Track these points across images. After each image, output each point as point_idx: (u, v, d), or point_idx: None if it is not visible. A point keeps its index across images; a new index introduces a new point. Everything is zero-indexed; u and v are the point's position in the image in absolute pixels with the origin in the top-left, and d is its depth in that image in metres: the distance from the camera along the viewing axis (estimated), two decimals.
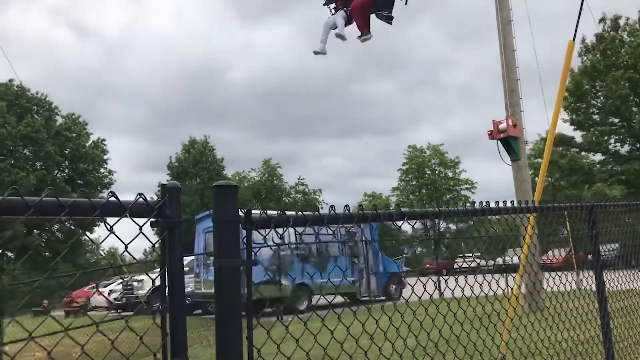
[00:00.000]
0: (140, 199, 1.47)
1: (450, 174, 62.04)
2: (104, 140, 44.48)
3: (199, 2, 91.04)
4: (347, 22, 9.85)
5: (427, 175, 61.63)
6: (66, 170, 41.92)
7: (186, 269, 18.53)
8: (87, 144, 42.88)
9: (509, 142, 12.97)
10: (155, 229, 1.57)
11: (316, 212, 2.30)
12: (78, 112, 46.99)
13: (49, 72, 73.90)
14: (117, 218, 1.45)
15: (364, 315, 3.50)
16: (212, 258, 15.00)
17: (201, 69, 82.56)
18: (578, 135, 36.80)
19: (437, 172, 61.87)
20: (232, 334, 1.62)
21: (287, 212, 2.06)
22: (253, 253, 1.77)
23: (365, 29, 9.37)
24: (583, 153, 38.47)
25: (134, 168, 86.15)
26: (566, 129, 36.04)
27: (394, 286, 18.78)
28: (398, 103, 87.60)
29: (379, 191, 69.98)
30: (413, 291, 2.81)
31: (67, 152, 41.20)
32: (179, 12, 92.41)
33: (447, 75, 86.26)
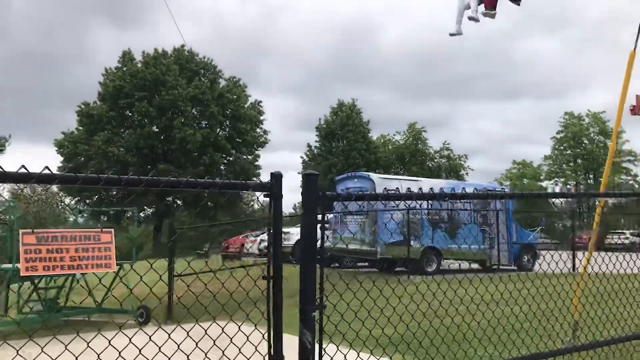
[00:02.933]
0: (259, 182, 2.58)
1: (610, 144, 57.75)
2: (260, 102, 47.82)
3: None
4: (479, 2, 10.22)
5: (584, 145, 58.04)
6: (227, 129, 45.84)
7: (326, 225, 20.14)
8: (245, 105, 46.38)
9: None
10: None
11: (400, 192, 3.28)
12: (238, 72, 50.79)
13: (214, 35, 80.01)
14: (245, 192, 2.56)
15: (488, 282, 4.42)
16: (349, 217, 16.36)
17: (355, 29, 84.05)
18: None
19: (595, 141, 57.94)
20: (311, 263, 2.70)
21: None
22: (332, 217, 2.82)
23: (490, 6, 9.69)
24: None
25: (287, 126, 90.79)
26: None
27: (526, 257, 18.87)
28: (565, 64, 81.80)
29: (531, 159, 67.26)
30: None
31: (228, 112, 44.96)
32: None
33: (623, 33, 78.84)
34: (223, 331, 2.74)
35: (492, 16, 9.94)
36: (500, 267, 17.35)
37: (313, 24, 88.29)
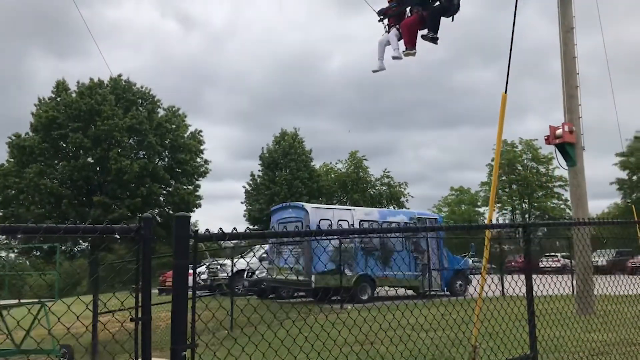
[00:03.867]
0: (125, 226, 2.63)
1: (543, 170, 60.30)
2: (200, 131, 47.49)
3: None
4: (399, 39, 10.65)
5: (518, 171, 60.29)
6: (166, 159, 45.19)
7: (264, 256, 20.06)
8: (185, 135, 45.95)
9: (565, 148, 13.28)
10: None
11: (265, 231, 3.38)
12: (182, 100, 50.08)
13: (156, 62, 79.36)
14: (114, 235, 2.62)
15: (419, 308, 4.53)
16: (283, 247, 16.40)
17: (299, 58, 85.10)
18: None
19: (529, 168, 60.35)
20: (182, 303, 2.76)
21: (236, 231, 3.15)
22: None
23: (410, 45, 10.14)
24: None
25: (232, 155, 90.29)
26: None
27: (459, 282, 19.35)
28: (501, 92, 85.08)
29: (470, 185, 69.14)
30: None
31: (167, 142, 44.39)
32: (281, 1, 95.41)
33: (555, 64, 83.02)
34: None
35: (413, 54, 10.38)
36: (433, 292, 17.72)
37: (258, 52, 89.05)
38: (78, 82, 42.75)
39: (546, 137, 13.36)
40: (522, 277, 5.48)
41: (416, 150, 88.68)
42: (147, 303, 2.69)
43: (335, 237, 12.44)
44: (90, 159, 41.16)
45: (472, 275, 19.67)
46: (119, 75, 44.12)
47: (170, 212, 43.95)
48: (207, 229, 2.92)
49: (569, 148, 13.16)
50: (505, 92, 5.59)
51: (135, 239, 2.68)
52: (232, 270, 15.83)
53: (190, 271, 2.87)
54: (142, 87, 45.29)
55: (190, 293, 2.82)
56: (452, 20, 10.40)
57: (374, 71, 11.06)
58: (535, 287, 5.45)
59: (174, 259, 2.79)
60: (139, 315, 2.67)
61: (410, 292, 18.50)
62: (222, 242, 3.09)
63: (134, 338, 2.66)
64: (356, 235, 14.03)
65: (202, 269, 26.76)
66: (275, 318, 3.70)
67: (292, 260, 16.69)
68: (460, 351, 5.78)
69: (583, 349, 7.28)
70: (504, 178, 61.51)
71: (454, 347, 5.47)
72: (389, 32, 10.89)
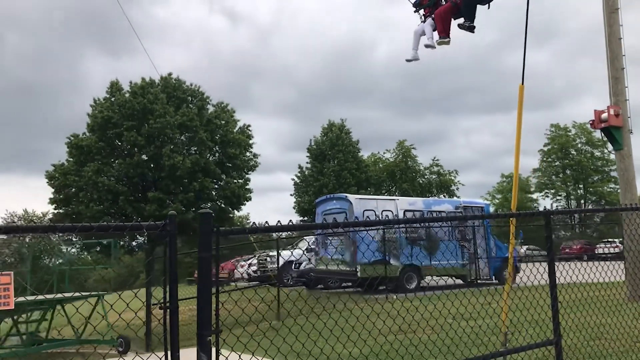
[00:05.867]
0: (152, 223, 2.90)
1: (598, 154, 58.35)
2: (249, 126, 48.30)
3: None
4: (434, 28, 10.66)
5: (571, 156, 58.56)
6: (216, 154, 46.25)
7: (311, 247, 20.38)
8: (234, 130, 46.86)
9: (611, 131, 12.95)
10: None
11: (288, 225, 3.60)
12: (230, 94, 50.87)
13: (204, 58, 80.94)
14: (139, 232, 2.89)
15: (456, 298, 4.68)
16: (329, 238, 16.65)
17: (346, 48, 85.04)
18: None
19: (583, 151, 58.49)
20: (206, 292, 3.01)
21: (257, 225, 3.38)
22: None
23: (444, 34, 10.13)
24: None
25: (282, 147, 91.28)
26: None
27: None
28: (555, 74, 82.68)
29: (523, 170, 67.54)
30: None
31: (217, 137, 45.42)
32: None
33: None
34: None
35: (447, 43, 10.37)
36: (481, 281, 17.61)
37: (304, 44, 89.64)
38: (131, 82, 44.24)
39: (591, 122, 13.09)
40: (574, 264, 5.49)
41: (466, 137, 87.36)
42: (174, 292, 2.96)
43: (378, 227, 12.57)
44: (144, 156, 42.55)
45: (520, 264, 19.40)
46: (169, 74, 45.44)
47: (222, 205, 45.03)
48: (230, 226, 3.16)
49: (615, 132, 12.85)
50: (522, 83, 5.59)
51: (163, 234, 2.94)
52: (277, 261, 16.19)
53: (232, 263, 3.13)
54: (191, 85, 46.49)
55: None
56: (488, 7, 10.32)
57: (408, 60, 11.09)
58: (585, 274, 5.50)
59: (198, 252, 3.05)
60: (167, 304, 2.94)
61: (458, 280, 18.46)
62: (273, 234, 3.34)
63: (162, 324, 2.93)
64: (399, 226, 14.11)
65: (253, 260, 27.39)
66: (317, 302, 3.92)
67: (337, 251, 16.91)
68: (492, 340, 5.87)
69: (626, 336, 7.21)
70: (557, 163, 59.90)
71: (486, 336, 5.57)
72: (424, 22, 10.94)
